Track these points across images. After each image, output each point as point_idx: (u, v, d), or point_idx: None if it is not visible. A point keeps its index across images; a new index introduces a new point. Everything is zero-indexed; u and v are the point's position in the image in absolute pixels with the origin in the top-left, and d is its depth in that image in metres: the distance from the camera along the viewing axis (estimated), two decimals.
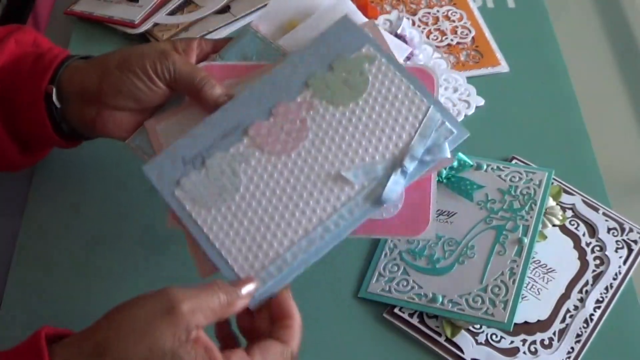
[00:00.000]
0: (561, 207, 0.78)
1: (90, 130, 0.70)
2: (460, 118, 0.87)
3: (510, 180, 0.78)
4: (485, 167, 0.80)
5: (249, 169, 0.63)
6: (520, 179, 0.78)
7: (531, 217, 0.75)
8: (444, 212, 0.77)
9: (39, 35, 0.76)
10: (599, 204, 0.79)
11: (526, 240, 0.73)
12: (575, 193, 0.80)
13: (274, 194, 0.62)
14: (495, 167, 0.80)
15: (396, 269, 0.74)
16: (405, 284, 0.73)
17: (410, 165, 0.62)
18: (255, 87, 0.65)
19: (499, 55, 0.94)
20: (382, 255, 0.75)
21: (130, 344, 0.50)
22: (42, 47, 0.74)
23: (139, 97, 0.66)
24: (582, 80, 0.93)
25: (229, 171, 0.63)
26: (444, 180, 0.79)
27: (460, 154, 0.81)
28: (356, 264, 0.75)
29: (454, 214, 0.77)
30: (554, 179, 0.79)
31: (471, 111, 0.88)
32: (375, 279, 0.73)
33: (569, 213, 0.78)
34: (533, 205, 0.76)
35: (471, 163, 0.80)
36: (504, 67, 0.93)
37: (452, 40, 0.96)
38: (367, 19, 0.72)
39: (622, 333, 0.71)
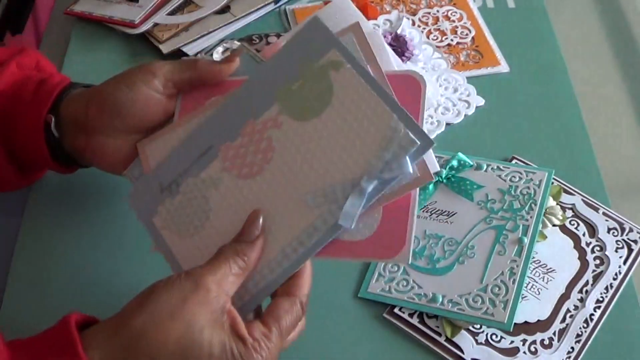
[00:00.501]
0: (561, 207, 0.78)
1: (82, 159, 0.70)
2: (460, 118, 0.87)
3: (510, 180, 0.78)
4: (485, 167, 0.80)
5: (218, 195, 0.61)
6: (520, 179, 0.78)
7: (531, 217, 0.75)
8: (444, 212, 0.77)
9: (41, 58, 0.76)
10: (599, 204, 0.79)
11: (526, 240, 0.73)
12: (575, 193, 0.80)
13: (240, 220, 0.59)
14: (495, 167, 0.80)
15: (396, 268, 0.74)
16: (405, 283, 0.73)
17: (367, 185, 0.56)
18: (227, 104, 0.63)
19: (499, 55, 0.94)
20: None
21: (168, 325, 0.52)
22: (44, 71, 0.74)
23: (122, 111, 0.64)
24: (582, 80, 0.93)
25: (200, 197, 0.61)
26: (444, 180, 0.79)
27: (460, 154, 0.81)
28: (356, 264, 0.75)
29: (454, 214, 0.77)
30: (554, 179, 0.79)
31: (471, 111, 0.88)
32: (375, 279, 0.73)
33: (569, 213, 0.78)
34: (533, 205, 0.76)
35: (471, 163, 0.80)
36: (504, 67, 0.93)
37: (452, 40, 0.96)
38: (366, 20, 0.72)
39: (622, 333, 0.71)
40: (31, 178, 0.76)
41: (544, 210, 0.76)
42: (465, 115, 0.88)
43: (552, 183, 0.78)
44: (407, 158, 0.56)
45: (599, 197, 0.79)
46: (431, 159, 0.59)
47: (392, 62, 0.68)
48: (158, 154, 0.64)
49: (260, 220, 0.58)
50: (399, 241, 0.57)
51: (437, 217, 0.77)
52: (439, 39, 0.96)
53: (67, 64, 0.93)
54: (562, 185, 0.80)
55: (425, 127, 0.85)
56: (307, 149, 0.59)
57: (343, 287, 0.74)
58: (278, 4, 0.98)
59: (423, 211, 0.78)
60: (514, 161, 0.82)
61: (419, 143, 0.56)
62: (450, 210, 0.77)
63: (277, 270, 0.58)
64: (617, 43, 1.03)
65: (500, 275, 0.71)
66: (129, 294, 0.74)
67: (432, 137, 0.84)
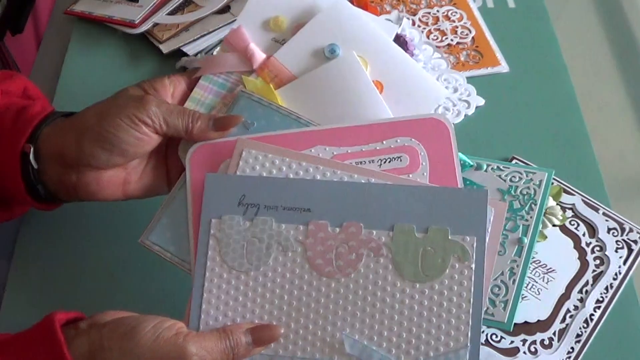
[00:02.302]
0: (561, 207, 0.78)
1: (71, 195, 0.66)
2: (460, 118, 0.87)
3: (510, 180, 0.78)
4: (485, 167, 0.80)
5: (282, 258, 0.58)
6: (520, 179, 0.78)
7: (531, 217, 0.75)
8: None
9: (29, 84, 0.73)
10: (599, 204, 0.79)
11: (526, 240, 0.73)
12: (575, 193, 0.80)
13: (282, 299, 0.58)
14: (495, 167, 0.80)
15: None
16: None
17: None
18: (347, 185, 0.59)
19: (499, 55, 0.94)
20: None
21: None
22: (30, 98, 0.71)
23: (125, 149, 0.62)
24: (582, 80, 0.93)
25: (266, 245, 0.59)
26: None
27: (460, 154, 0.81)
28: None
29: None
30: (554, 179, 0.79)
31: (471, 111, 0.88)
32: None
33: (569, 213, 0.78)
34: (533, 205, 0.76)
35: (471, 163, 0.80)
36: (504, 67, 0.93)
37: (452, 40, 0.96)
38: (372, 16, 0.71)
39: (622, 333, 0.71)
40: (10, 213, 0.71)
41: (544, 211, 0.76)
42: (465, 115, 0.88)
43: (552, 183, 0.78)
44: None
45: (599, 197, 0.79)
46: None
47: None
48: (251, 163, 0.61)
49: (278, 335, 0.57)
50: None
51: None
52: (439, 39, 0.96)
53: (67, 64, 0.93)
54: (562, 185, 0.80)
55: None
56: (382, 300, 0.57)
57: None
58: None
59: None
60: (514, 161, 0.82)
61: None
62: None
63: None
64: (617, 43, 1.03)
65: (500, 275, 0.71)
66: (129, 294, 0.74)
67: None
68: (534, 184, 0.78)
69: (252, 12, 0.72)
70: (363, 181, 0.60)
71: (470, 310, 0.56)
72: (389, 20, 0.96)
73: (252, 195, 0.59)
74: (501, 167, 0.80)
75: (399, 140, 0.62)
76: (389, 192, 0.59)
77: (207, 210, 0.60)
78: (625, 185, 0.90)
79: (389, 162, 0.62)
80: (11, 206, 0.70)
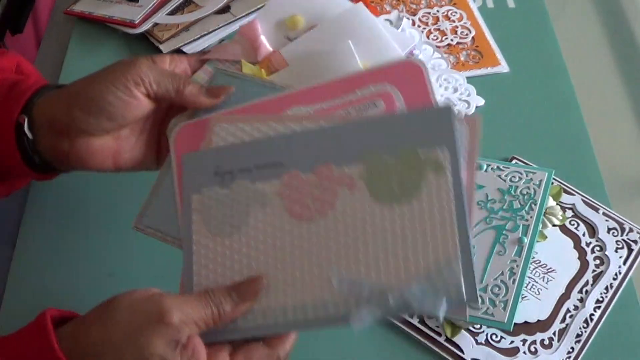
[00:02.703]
0: (561, 207, 0.78)
1: (64, 164, 0.66)
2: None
3: (510, 180, 0.78)
4: (485, 167, 0.80)
5: (261, 214, 0.58)
6: (520, 179, 0.78)
7: (531, 217, 0.75)
8: None
9: (22, 60, 0.73)
10: (599, 204, 0.79)
11: (526, 240, 0.73)
12: (575, 193, 0.80)
13: (265, 252, 0.58)
14: (495, 167, 0.80)
15: None
16: None
17: (394, 304, 0.53)
18: (316, 131, 0.59)
19: (499, 55, 0.94)
20: None
21: (121, 345, 0.52)
22: (23, 74, 0.71)
23: (113, 112, 0.62)
24: (582, 80, 0.93)
25: (244, 205, 0.59)
26: None
27: None
28: None
29: None
30: (554, 179, 0.79)
31: (471, 111, 0.88)
32: None
33: (569, 213, 0.78)
34: (533, 205, 0.76)
35: None
36: (504, 67, 0.93)
37: (452, 40, 0.96)
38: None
39: (622, 333, 0.71)
40: (9, 187, 0.72)
41: (544, 210, 0.76)
42: (465, 115, 0.88)
43: (552, 183, 0.78)
44: (444, 302, 0.53)
45: (599, 197, 0.79)
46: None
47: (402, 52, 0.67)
48: (223, 136, 0.61)
49: (261, 286, 0.56)
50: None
51: None
52: (439, 39, 0.96)
53: (67, 64, 0.93)
54: (562, 185, 0.80)
55: None
56: (364, 230, 0.56)
57: None
58: None
59: None
60: (514, 161, 0.82)
61: (465, 297, 0.52)
62: None
63: (268, 321, 0.56)
64: (617, 43, 1.03)
65: (500, 275, 0.71)
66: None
67: None
68: (534, 184, 0.78)
69: (273, 8, 0.72)
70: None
71: (455, 221, 0.54)
72: (388, 20, 0.96)
73: (226, 163, 0.60)
74: (501, 167, 0.80)
75: (373, 88, 0.61)
76: (355, 128, 0.58)
77: (187, 188, 0.61)
78: (625, 185, 0.90)
79: (365, 110, 0.61)
80: (10, 179, 0.70)
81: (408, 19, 0.97)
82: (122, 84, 0.61)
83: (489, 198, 0.77)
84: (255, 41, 0.69)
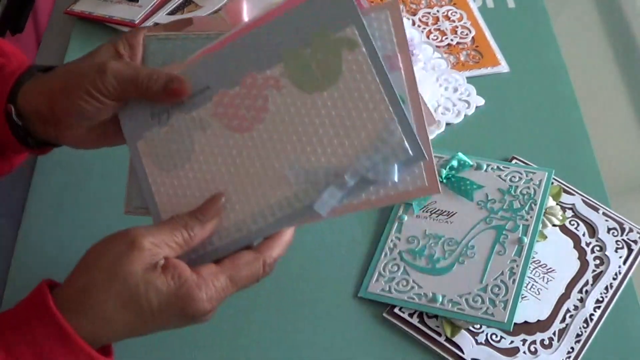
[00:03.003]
0: (561, 207, 0.78)
1: (56, 145, 0.69)
2: (460, 118, 0.87)
3: (510, 180, 0.78)
4: (485, 167, 0.80)
5: (204, 139, 0.60)
6: (520, 179, 0.78)
7: (531, 217, 0.75)
8: (444, 212, 0.77)
9: (2, 42, 0.73)
10: (599, 204, 0.79)
11: (526, 240, 0.73)
12: (575, 193, 0.80)
13: (219, 171, 0.59)
14: (495, 167, 0.80)
15: (396, 268, 0.74)
16: (405, 283, 0.73)
17: (350, 180, 0.56)
18: (233, 49, 0.60)
19: (499, 55, 0.94)
20: (382, 255, 0.75)
21: (106, 285, 0.54)
22: (5, 55, 0.72)
23: (91, 116, 0.63)
24: (582, 80, 0.93)
25: (186, 136, 0.60)
26: (444, 181, 0.79)
27: (460, 154, 0.81)
28: (356, 264, 0.75)
29: (454, 214, 0.77)
30: (554, 179, 0.79)
31: (471, 111, 0.88)
32: (375, 279, 0.73)
33: (569, 213, 0.78)
34: (533, 205, 0.76)
35: (471, 163, 0.80)
36: (504, 67, 0.93)
37: (452, 40, 0.96)
38: None
39: (622, 333, 0.71)
40: (10, 163, 0.73)
41: (544, 210, 0.76)
42: (465, 115, 0.88)
43: (552, 183, 0.78)
44: (396, 166, 0.55)
45: (599, 197, 0.79)
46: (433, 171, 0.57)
47: None
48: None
49: (221, 202, 0.59)
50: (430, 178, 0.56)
51: (437, 217, 0.77)
52: (439, 39, 0.96)
53: None
54: (562, 185, 0.80)
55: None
56: (302, 122, 0.58)
57: (343, 287, 0.74)
58: None
59: (423, 211, 0.78)
60: (514, 161, 0.82)
61: (411, 154, 0.55)
62: (450, 210, 0.77)
63: (243, 233, 0.58)
64: (617, 43, 1.03)
65: (500, 275, 0.71)
66: None
67: (432, 137, 0.85)
68: (534, 183, 0.78)
69: None
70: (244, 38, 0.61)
71: (381, 89, 0.56)
72: None
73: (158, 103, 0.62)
74: (501, 167, 0.80)
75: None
76: (265, 32, 0.59)
77: (131, 139, 0.62)
78: (625, 185, 0.90)
79: None
80: (8, 156, 0.72)
81: (408, 19, 0.97)
82: (91, 95, 0.62)
83: (489, 198, 0.77)
84: (238, 22, 0.70)
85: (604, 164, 0.84)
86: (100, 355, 0.55)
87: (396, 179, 0.55)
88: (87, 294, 0.54)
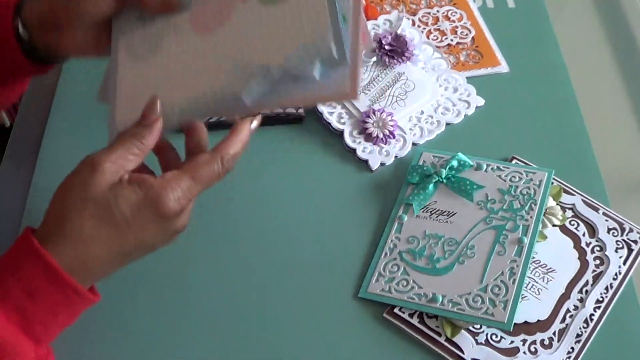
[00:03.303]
0: (561, 207, 0.78)
1: (55, 53, 0.71)
2: (460, 118, 0.87)
3: (510, 180, 0.79)
4: (485, 167, 0.80)
5: (173, 37, 0.65)
6: (520, 179, 0.78)
7: (531, 217, 0.75)
8: (444, 212, 0.77)
9: None
10: (599, 204, 0.79)
11: (526, 240, 0.73)
12: (575, 193, 0.80)
13: (177, 69, 0.64)
14: (495, 167, 0.80)
15: (396, 269, 0.74)
16: (405, 284, 0.73)
17: (274, 72, 0.61)
18: None
19: (499, 55, 0.94)
20: (382, 255, 0.75)
21: (79, 207, 0.58)
22: None
23: (90, 10, 0.66)
24: (582, 80, 0.93)
25: (159, 35, 0.66)
26: (444, 181, 0.79)
27: (460, 154, 0.81)
28: (356, 264, 0.75)
29: (454, 214, 0.77)
30: (554, 179, 0.79)
31: (471, 111, 0.88)
32: (375, 279, 0.74)
33: (569, 213, 0.78)
34: (533, 205, 0.76)
35: (471, 163, 0.80)
36: (504, 67, 0.93)
37: (452, 40, 0.96)
38: None
39: (622, 333, 0.71)
40: (14, 92, 0.76)
41: (544, 210, 0.76)
42: (465, 115, 0.88)
43: (552, 183, 0.78)
44: (318, 64, 0.60)
45: (599, 197, 0.79)
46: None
47: None
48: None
49: (158, 106, 0.62)
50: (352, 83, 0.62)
51: (437, 217, 0.77)
52: (439, 39, 0.96)
53: (67, 63, 0.93)
54: (562, 185, 0.80)
55: (425, 127, 0.86)
56: (253, 29, 0.63)
57: (343, 287, 0.74)
58: None
59: (423, 211, 0.78)
60: (514, 161, 0.82)
61: (335, 56, 0.60)
62: (450, 211, 0.77)
63: (186, 113, 0.63)
64: (617, 43, 1.03)
65: (500, 275, 0.71)
66: (130, 285, 0.74)
67: (431, 137, 0.85)
68: (534, 184, 0.78)
69: None
70: None
71: (326, 4, 0.61)
72: (388, 20, 0.96)
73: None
74: (501, 167, 0.80)
75: None
76: None
77: (115, 36, 0.67)
78: (625, 185, 0.90)
79: None
80: (16, 81, 0.74)
81: (408, 19, 0.97)
82: None
83: (489, 198, 0.77)
84: None
85: (604, 164, 0.84)
86: (86, 291, 0.58)
87: (317, 77, 0.60)
88: (63, 223, 0.58)
